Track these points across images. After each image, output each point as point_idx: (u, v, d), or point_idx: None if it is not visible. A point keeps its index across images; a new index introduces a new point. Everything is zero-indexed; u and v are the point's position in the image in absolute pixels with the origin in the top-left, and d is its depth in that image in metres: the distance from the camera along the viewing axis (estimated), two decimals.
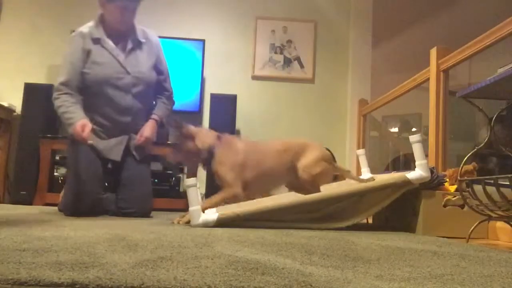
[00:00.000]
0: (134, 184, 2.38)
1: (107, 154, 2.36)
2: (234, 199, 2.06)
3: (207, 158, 2.10)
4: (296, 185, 2.19)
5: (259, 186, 2.19)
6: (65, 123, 2.26)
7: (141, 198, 2.38)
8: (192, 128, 2.15)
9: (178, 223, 1.95)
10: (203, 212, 1.86)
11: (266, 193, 2.37)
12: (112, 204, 2.40)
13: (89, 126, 2.18)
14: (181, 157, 2.20)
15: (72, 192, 2.24)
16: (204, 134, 2.15)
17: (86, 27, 2.41)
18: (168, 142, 3.77)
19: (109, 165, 2.41)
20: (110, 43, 2.39)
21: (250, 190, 2.13)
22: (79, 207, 2.21)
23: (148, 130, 2.42)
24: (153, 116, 2.49)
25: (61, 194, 2.52)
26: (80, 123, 2.17)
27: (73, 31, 3.91)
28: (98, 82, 2.32)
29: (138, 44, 2.45)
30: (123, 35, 2.42)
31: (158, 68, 2.52)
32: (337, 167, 2.30)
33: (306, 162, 2.12)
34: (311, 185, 2.10)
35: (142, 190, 2.40)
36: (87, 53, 2.33)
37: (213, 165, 2.09)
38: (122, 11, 2.34)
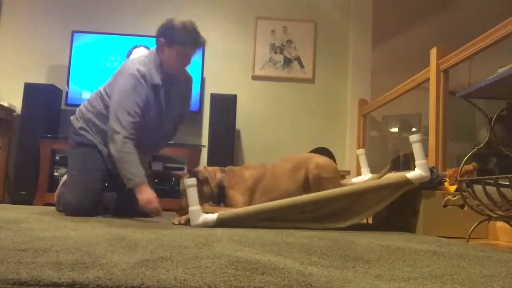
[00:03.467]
0: None
1: (112, 168, 2.32)
2: None
3: (219, 193, 2.15)
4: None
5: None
6: (124, 174, 2.10)
7: None
8: (202, 171, 2.17)
9: (179, 223, 1.94)
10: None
11: None
12: (112, 204, 2.40)
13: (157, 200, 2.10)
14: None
15: (76, 192, 2.23)
16: (211, 173, 2.17)
17: (145, 68, 2.20)
18: (170, 142, 3.77)
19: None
20: (163, 93, 2.26)
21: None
22: (83, 207, 2.21)
23: (142, 194, 2.08)
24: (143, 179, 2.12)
25: (57, 193, 2.52)
26: (155, 199, 2.07)
27: (74, 31, 4.00)
28: (139, 129, 2.19)
29: (179, 89, 2.38)
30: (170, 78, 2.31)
31: (186, 105, 2.52)
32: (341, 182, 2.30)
33: (321, 162, 2.17)
34: (318, 184, 2.12)
35: None
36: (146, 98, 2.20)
37: (226, 194, 2.14)
38: (185, 56, 2.23)
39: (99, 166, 2.32)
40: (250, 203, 2.10)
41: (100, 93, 2.34)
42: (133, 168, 2.10)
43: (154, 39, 2.28)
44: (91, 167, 2.30)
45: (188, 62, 2.29)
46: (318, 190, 2.06)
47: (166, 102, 2.31)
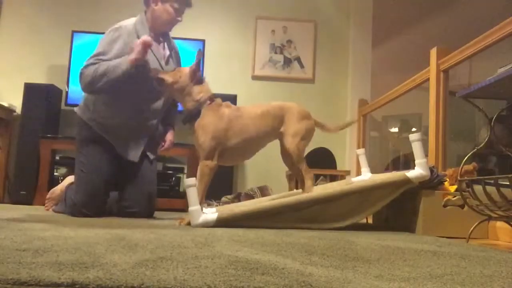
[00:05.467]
0: (139, 184, 2.37)
1: (125, 154, 2.32)
2: (210, 173, 2.00)
3: (192, 113, 2.07)
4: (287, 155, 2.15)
5: (240, 153, 2.11)
6: (116, 69, 2.12)
7: (146, 199, 2.37)
8: (166, 73, 2.13)
9: (180, 224, 1.93)
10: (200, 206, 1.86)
11: (245, 159, 2.27)
12: (114, 204, 2.40)
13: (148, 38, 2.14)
14: (165, 88, 2.14)
15: (85, 193, 2.23)
16: (200, 89, 2.10)
17: (130, 24, 2.32)
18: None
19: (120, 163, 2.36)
20: (155, 44, 2.32)
21: (231, 156, 2.08)
22: (91, 208, 2.21)
23: (172, 136, 2.53)
24: (170, 125, 2.57)
25: (63, 195, 2.52)
26: (138, 41, 2.14)
27: (74, 31, 4.00)
28: (139, 81, 2.20)
29: (171, 51, 2.45)
30: (160, 39, 2.41)
31: None
32: (318, 122, 2.29)
33: (291, 131, 2.11)
34: (298, 156, 2.10)
35: (148, 191, 2.38)
36: (131, 49, 2.22)
37: (195, 126, 2.06)
38: (174, 12, 2.32)
39: (107, 163, 2.30)
40: (217, 148, 2.01)
41: None
42: (113, 63, 2.15)
43: None
44: (100, 166, 2.28)
45: (179, 18, 2.37)
46: (300, 156, 2.11)
47: (163, 60, 2.37)
